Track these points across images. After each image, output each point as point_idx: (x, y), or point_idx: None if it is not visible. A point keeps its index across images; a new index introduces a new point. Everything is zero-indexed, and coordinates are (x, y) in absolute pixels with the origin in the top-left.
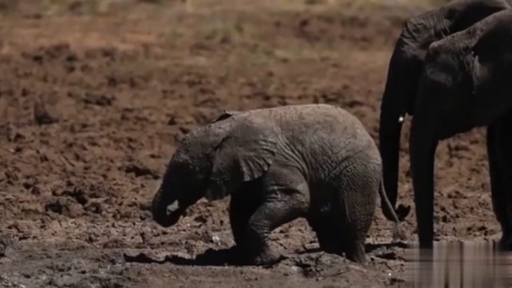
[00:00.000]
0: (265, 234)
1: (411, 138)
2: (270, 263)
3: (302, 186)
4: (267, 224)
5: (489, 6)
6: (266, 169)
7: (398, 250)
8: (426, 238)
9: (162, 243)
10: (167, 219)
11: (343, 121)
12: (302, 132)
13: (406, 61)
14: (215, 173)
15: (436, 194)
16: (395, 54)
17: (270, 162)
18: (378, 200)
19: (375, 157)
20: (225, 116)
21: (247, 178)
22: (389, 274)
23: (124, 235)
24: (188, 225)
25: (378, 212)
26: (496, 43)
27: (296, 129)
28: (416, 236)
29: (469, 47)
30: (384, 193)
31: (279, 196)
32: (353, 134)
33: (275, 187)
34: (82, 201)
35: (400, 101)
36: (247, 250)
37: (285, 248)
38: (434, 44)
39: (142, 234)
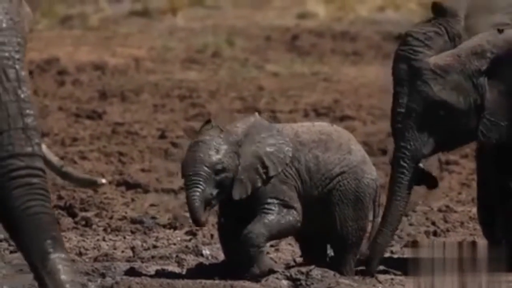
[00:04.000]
0: (262, 244)
1: (400, 152)
2: (266, 274)
3: (298, 206)
4: (265, 234)
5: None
6: (287, 161)
7: (388, 264)
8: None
9: (153, 257)
10: (203, 218)
11: (337, 138)
12: (298, 150)
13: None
14: (239, 171)
15: (426, 208)
16: (405, 65)
17: (290, 154)
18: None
19: (370, 172)
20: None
21: (272, 172)
22: None
23: (115, 248)
24: (179, 239)
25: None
26: (508, 67)
27: (293, 147)
28: (405, 249)
29: (481, 70)
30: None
31: (277, 209)
32: (348, 151)
33: (274, 201)
34: (73, 215)
35: None
36: (241, 261)
37: (275, 262)
38: (438, 61)
39: (133, 248)
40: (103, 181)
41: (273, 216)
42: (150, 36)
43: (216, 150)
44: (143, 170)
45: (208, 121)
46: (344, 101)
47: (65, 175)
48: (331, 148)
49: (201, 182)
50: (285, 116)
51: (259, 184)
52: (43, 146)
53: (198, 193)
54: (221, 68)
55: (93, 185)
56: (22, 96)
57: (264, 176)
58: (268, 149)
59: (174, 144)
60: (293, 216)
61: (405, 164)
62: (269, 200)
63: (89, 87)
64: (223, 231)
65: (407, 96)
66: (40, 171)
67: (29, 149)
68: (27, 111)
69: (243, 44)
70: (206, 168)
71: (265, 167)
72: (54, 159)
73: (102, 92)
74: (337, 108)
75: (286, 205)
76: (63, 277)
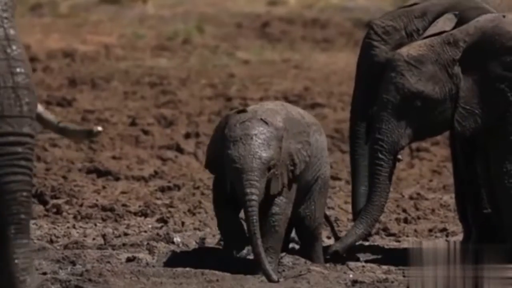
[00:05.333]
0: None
1: (378, 145)
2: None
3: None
4: (282, 223)
5: (466, 6)
6: (308, 160)
7: (359, 251)
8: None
9: (124, 244)
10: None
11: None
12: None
13: (378, 64)
14: (276, 166)
15: (397, 195)
16: (364, 57)
17: (310, 153)
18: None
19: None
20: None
21: (298, 171)
22: (350, 276)
23: (85, 236)
24: (150, 226)
25: (339, 214)
26: (482, 56)
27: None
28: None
29: (455, 59)
30: None
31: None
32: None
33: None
34: (44, 202)
35: (373, 105)
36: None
37: (248, 250)
38: (411, 52)
39: (103, 235)
40: (99, 128)
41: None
42: (120, 23)
43: (268, 145)
44: (113, 158)
45: (243, 110)
46: (315, 88)
47: (63, 131)
48: (323, 132)
49: (258, 179)
50: (255, 104)
51: (286, 181)
52: (39, 106)
53: (256, 194)
54: (192, 55)
55: (90, 134)
56: (12, 54)
57: (291, 174)
58: (298, 146)
59: (145, 131)
60: (290, 208)
61: (383, 157)
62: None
63: (59, 74)
64: (227, 223)
65: (381, 88)
66: (27, 137)
67: (17, 110)
68: (18, 69)
69: (213, 31)
70: (262, 165)
71: (293, 164)
72: (51, 117)
73: (72, 79)
74: (308, 95)
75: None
76: (19, 263)
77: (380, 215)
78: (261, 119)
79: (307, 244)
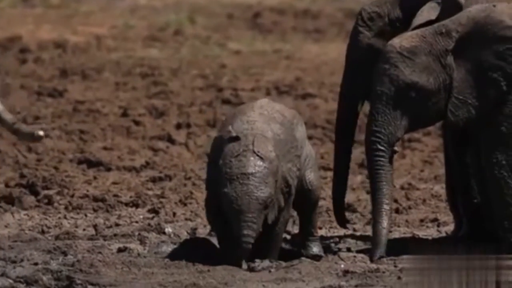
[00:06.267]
0: None
1: (375, 137)
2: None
3: None
4: (282, 234)
5: None
6: (298, 173)
7: (350, 241)
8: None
9: (115, 235)
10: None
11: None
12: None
13: (362, 50)
14: (272, 201)
15: None
16: (351, 43)
17: (300, 166)
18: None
19: None
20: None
21: (293, 191)
22: (342, 266)
23: (76, 227)
24: (141, 217)
25: (330, 204)
26: (474, 46)
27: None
28: (368, 227)
29: (447, 49)
30: None
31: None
32: None
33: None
34: (35, 193)
35: (358, 91)
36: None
37: None
38: (404, 43)
39: (95, 226)
40: (41, 133)
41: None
42: (111, 14)
43: (265, 184)
44: (105, 148)
45: (236, 138)
46: (306, 78)
47: (16, 132)
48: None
49: (255, 221)
50: (247, 94)
51: (283, 203)
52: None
53: (252, 236)
54: (183, 46)
55: (33, 138)
56: None
57: (286, 196)
58: (289, 165)
59: (136, 122)
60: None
61: (382, 148)
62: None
63: (50, 65)
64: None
65: (375, 80)
66: None
67: None
68: None
69: (204, 22)
70: (260, 205)
71: (288, 186)
72: (8, 117)
73: (64, 70)
74: (299, 86)
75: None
76: None
77: (392, 204)
78: (255, 152)
79: (305, 215)
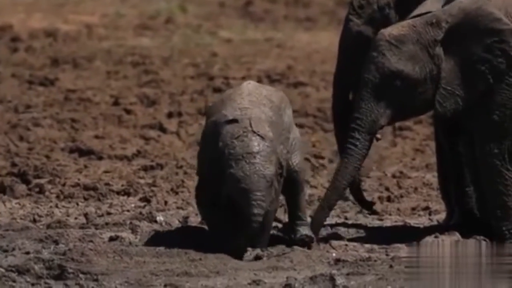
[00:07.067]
0: None
1: (355, 124)
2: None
3: None
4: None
5: None
6: (287, 156)
7: (342, 230)
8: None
9: (106, 223)
10: None
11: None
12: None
13: (352, 38)
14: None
15: (380, 174)
16: (343, 31)
17: (288, 148)
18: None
19: None
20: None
21: (284, 172)
22: (333, 254)
23: (68, 215)
24: (133, 205)
25: (322, 193)
26: (463, 37)
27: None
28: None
29: (436, 39)
30: None
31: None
32: None
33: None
34: (26, 181)
35: (350, 78)
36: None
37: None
38: (393, 32)
39: (86, 215)
40: None
41: None
42: (102, 2)
43: (270, 162)
44: (96, 137)
45: (234, 120)
46: (298, 67)
47: None
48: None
49: (264, 199)
50: (238, 83)
51: (277, 186)
52: None
53: (262, 215)
54: (174, 35)
55: None
56: None
57: (279, 177)
58: (280, 147)
59: (128, 111)
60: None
61: (359, 137)
62: None
63: (41, 54)
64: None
65: (363, 67)
66: None
67: None
68: None
69: (196, 11)
70: (267, 183)
71: (281, 167)
72: None
73: (55, 59)
74: (291, 74)
75: None
76: None
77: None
78: (255, 132)
79: (293, 197)
